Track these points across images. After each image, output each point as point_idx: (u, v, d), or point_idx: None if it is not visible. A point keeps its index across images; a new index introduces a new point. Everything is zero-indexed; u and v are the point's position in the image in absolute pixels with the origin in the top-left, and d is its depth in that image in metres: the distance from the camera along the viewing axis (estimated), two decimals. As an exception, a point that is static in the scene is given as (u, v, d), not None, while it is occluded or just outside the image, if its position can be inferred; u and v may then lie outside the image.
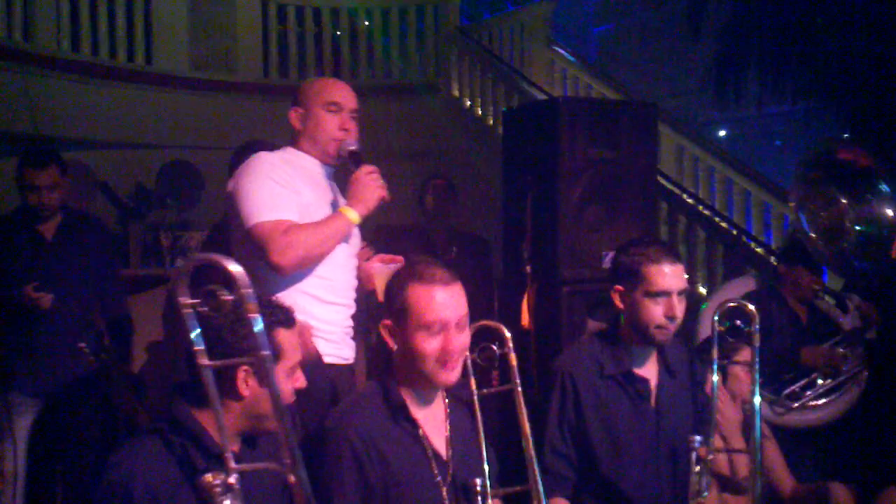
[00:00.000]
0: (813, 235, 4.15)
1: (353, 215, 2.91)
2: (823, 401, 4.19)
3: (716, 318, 2.78)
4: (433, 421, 2.43)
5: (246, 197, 2.83)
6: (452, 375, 2.34)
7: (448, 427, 2.45)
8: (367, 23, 9.75)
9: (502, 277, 4.65)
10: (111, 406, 4.25)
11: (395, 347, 2.36)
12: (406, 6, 9.76)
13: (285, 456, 1.81)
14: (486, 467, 2.45)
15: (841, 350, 4.21)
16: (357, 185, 2.94)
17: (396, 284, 2.37)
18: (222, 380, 1.97)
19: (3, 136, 6.90)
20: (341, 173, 3.13)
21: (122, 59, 8.38)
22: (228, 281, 1.75)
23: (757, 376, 2.81)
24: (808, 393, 4.18)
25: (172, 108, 8.37)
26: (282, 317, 2.12)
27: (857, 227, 4.17)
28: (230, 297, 1.73)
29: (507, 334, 2.54)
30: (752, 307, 2.78)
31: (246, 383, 2.01)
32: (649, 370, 2.90)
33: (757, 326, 2.75)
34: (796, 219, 4.29)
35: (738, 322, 2.74)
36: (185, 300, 1.76)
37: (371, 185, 2.94)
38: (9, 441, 3.88)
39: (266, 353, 1.77)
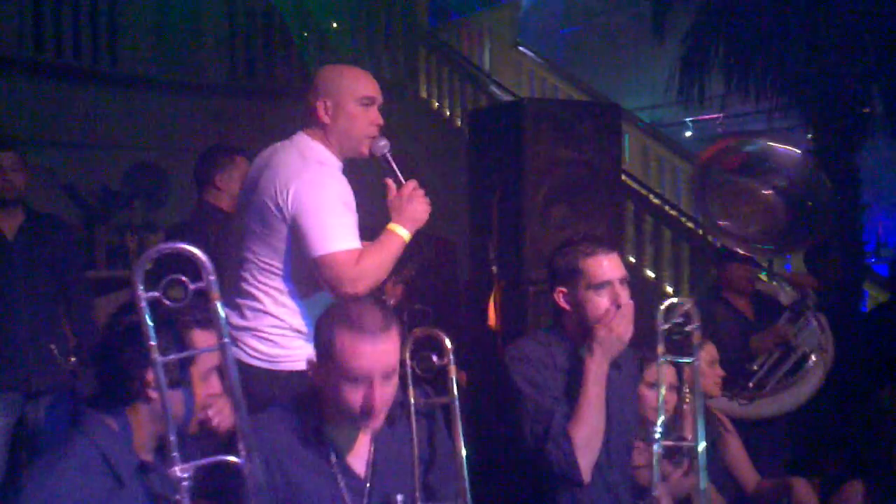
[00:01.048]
0: (724, 223, 4.22)
1: (405, 234, 2.87)
2: (790, 382, 4.21)
3: (659, 317, 2.77)
4: (357, 441, 2.34)
5: (318, 223, 2.72)
6: (375, 423, 2.22)
7: (371, 447, 2.36)
8: (334, 24, 9.74)
9: (469, 278, 4.68)
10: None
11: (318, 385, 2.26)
12: (374, 7, 9.76)
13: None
14: (417, 482, 2.34)
15: (787, 325, 4.25)
16: (406, 203, 2.90)
17: (325, 324, 2.23)
18: (130, 383, 1.97)
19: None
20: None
21: (86, 61, 8.31)
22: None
23: (697, 376, 2.82)
24: (775, 377, 4.20)
25: (138, 110, 8.31)
26: (199, 316, 2.05)
27: (787, 196, 4.25)
28: (194, 286, 1.76)
29: (448, 344, 2.39)
30: (690, 304, 2.79)
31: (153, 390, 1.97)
32: None
33: (697, 324, 2.76)
34: (704, 222, 4.38)
35: (680, 319, 2.75)
36: (142, 292, 1.76)
37: (420, 201, 2.91)
38: None
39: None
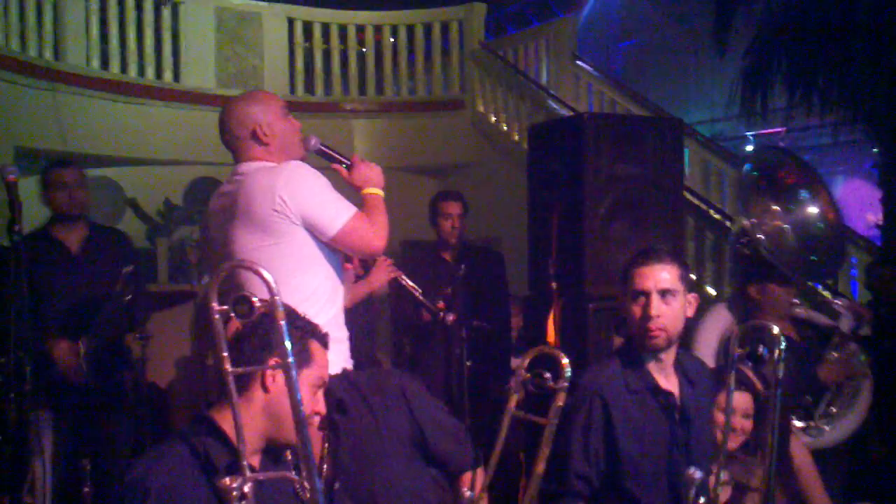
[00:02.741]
0: (761, 237, 4.12)
1: (379, 192, 3.11)
2: (847, 411, 4.14)
3: (734, 341, 2.72)
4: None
5: (323, 206, 2.90)
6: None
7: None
8: (391, 39, 9.80)
9: (528, 294, 4.65)
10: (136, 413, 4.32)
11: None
12: (431, 22, 9.80)
13: (302, 467, 1.88)
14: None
15: (850, 351, 4.14)
16: (363, 172, 3.12)
17: None
18: (248, 378, 2.05)
19: (32, 154, 6.99)
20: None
21: (150, 77, 8.48)
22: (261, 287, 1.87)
23: (779, 403, 2.75)
24: (834, 409, 4.12)
25: (199, 125, 8.42)
26: (318, 333, 2.19)
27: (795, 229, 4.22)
28: (260, 303, 1.86)
29: (567, 369, 2.45)
30: (776, 329, 2.73)
31: (273, 378, 2.05)
32: (670, 382, 2.89)
33: (782, 351, 2.69)
34: (741, 232, 4.29)
35: (761, 348, 2.68)
36: (216, 306, 1.87)
37: (370, 166, 3.15)
38: (39, 459, 3.90)
39: (290, 359, 1.89)
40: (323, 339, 2.20)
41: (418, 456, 2.58)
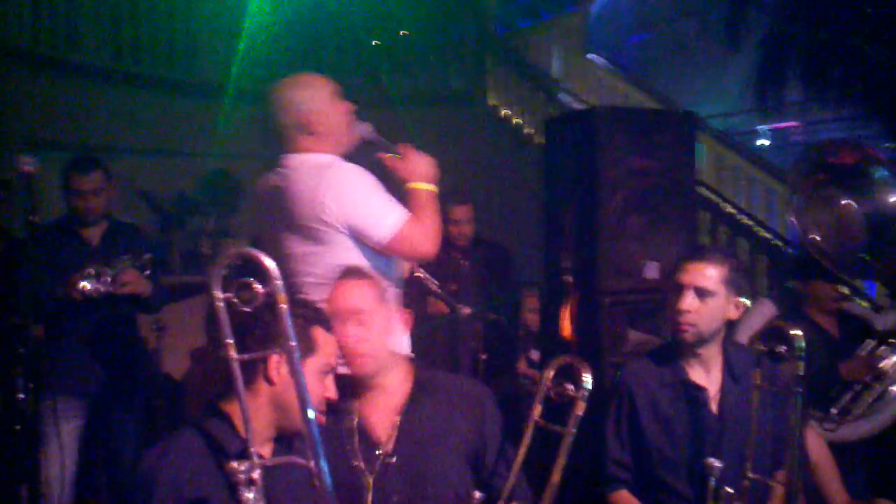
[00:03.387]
0: (817, 238, 4.06)
1: (430, 186, 2.96)
2: (873, 410, 4.09)
3: (756, 340, 2.74)
4: (381, 410, 2.56)
5: (369, 214, 2.79)
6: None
7: (399, 418, 2.54)
8: (403, 32, 9.78)
9: (544, 287, 4.65)
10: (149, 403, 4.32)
11: None
12: (443, 16, 9.77)
13: (308, 451, 1.87)
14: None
15: (879, 353, 4.11)
16: (412, 164, 2.98)
17: None
18: (255, 364, 2.04)
19: (46, 145, 7.00)
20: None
21: (163, 69, 8.48)
22: (262, 274, 1.84)
23: (800, 400, 2.74)
24: (858, 405, 4.09)
25: (213, 118, 8.43)
26: (321, 318, 2.18)
27: (866, 222, 4.08)
28: (263, 290, 1.84)
29: (587, 379, 2.47)
30: (795, 330, 2.73)
31: (278, 370, 2.05)
32: (710, 378, 2.94)
33: (801, 350, 2.69)
34: (794, 229, 4.22)
35: (782, 347, 2.69)
36: (219, 293, 1.85)
37: (421, 156, 3.00)
38: (54, 446, 3.91)
39: (293, 343, 1.87)
40: (328, 325, 2.18)
41: (470, 465, 2.59)
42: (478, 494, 2.39)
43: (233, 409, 2.05)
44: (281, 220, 2.89)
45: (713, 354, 2.93)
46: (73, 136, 7.31)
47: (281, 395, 2.05)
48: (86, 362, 4.12)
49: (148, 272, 4.11)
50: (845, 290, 4.21)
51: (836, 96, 6.22)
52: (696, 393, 2.90)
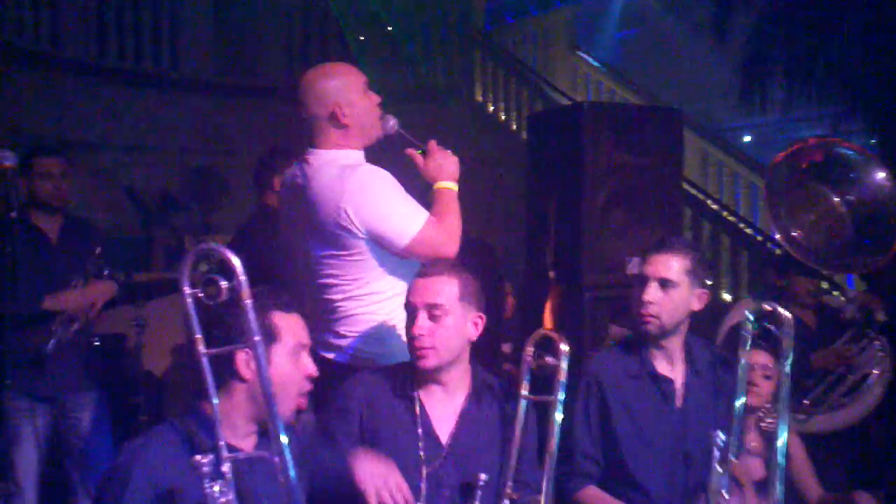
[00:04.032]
0: (795, 234, 4.08)
1: (453, 186, 2.95)
2: (847, 401, 4.13)
3: (749, 315, 2.77)
4: (445, 409, 2.59)
5: (390, 220, 2.77)
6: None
7: (458, 418, 2.57)
8: (389, 28, 9.77)
9: (525, 282, 4.64)
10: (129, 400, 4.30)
11: None
12: (430, 12, 9.77)
13: (273, 440, 1.86)
14: (510, 466, 2.51)
15: (850, 345, 4.15)
16: (439, 162, 2.96)
17: None
18: (227, 364, 2.02)
19: (30, 140, 6.95)
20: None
21: (147, 64, 8.44)
22: (226, 269, 1.83)
23: (788, 382, 2.78)
24: (833, 395, 4.12)
25: (197, 113, 8.42)
26: (278, 300, 2.12)
27: (854, 211, 4.09)
28: (226, 285, 1.83)
29: (564, 347, 2.58)
30: (787, 313, 2.77)
31: (247, 366, 2.03)
32: (675, 371, 2.94)
33: (790, 332, 2.74)
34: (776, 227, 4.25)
35: (772, 326, 2.73)
36: (187, 289, 1.86)
37: (447, 155, 2.97)
38: (19, 446, 3.87)
39: (257, 337, 1.87)
40: (286, 305, 2.13)
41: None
42: (483, 476, 2.44)
43: (210, 405, 2.04)
44: (302, 221, 2.89)
45: (677, 347, 2.94)
46: (56, 132, 7.27)
47: (256, 388, 2.03)
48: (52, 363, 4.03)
49: (106, 272, 4.06)
50: (824, 285, 4.25)
51: (820, 93, 6.25)
52: (663, 385, 2.90)
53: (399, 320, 2.77)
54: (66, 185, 4.10)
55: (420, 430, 2.53)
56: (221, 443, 1.92)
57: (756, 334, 2.79)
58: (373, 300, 2.86)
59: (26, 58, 7.30)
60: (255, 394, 2.04)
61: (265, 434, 2.10)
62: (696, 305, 2.91)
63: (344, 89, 2.89)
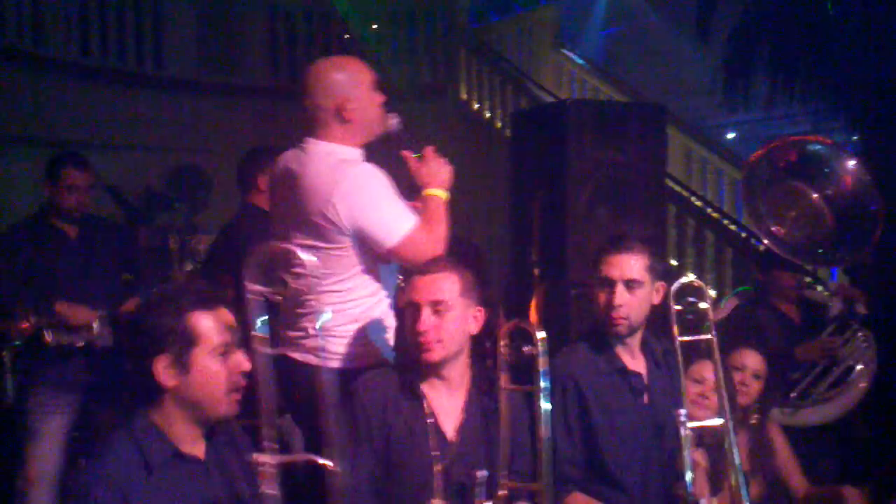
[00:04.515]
0: (775, 228, 4.11)
1: (443, 194, 2.93)
2: (833, 394, 4.16)
3: (671, 298, 2.89)
4: (451, 405, 2.66)
5: (377, 220, 2.78)
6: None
7: (463, 414, 2.62)
8: (374, 26, 9.76)
9: (510, 280, 4.65)
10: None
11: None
12: (414, 9, 9.76)
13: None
14: (502, 459, 2.54)
15: (834, 337, 4.19)
16: (432, 168, 2.94)
17: None
18: (148, 377, 1.99)
19: (13, 139, 6.93)
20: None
21: (131, 63, 8.40)
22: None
23: (718, 357, 2.92)
24: (818, 388, 4.15)
25: (181, 112, 8.38)
26: (195, 298, 2.05)
27: (834, 205, 4.13)
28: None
29: (539, 335, 2.63)
30: (700, 283, 2.96)
31: (168, 373, 1.99)
32: (638, 364, 2.97)
33: (708, 301, 2.90)
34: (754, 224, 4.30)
35: (692, 298, 2.86)
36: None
37: (442, 163, 2.96)
38: (36, 443, 3.88)
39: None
40: (207, 301, 2.05)
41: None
42: (479, 473, 2.49)
43: (156, 412, 2.03)
44: (288, 207, 2.88)
45: (637, 341, 2.97)
46: (39, 131, 7.24)
47: (182, 393, 2.00)
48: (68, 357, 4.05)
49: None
50: (806, 279, 4.29)
51: (802, 90, 6.28)
52: (633, 380, 2.92)
53: (370, 322, 2.83)
54: (90, 198, 4.15)
55: (431, 434, 2.58)
56: (183, 450, 1.98)
57: (683, 311, 2.88)
58: (346, 297, 2.84)
59: (7, 56, 7.25)
60: (183, 399, 2.01)
61: (212, 438, 2.10)
62: (657, 299, 2.95)
63: (352, 85, 2.89)
